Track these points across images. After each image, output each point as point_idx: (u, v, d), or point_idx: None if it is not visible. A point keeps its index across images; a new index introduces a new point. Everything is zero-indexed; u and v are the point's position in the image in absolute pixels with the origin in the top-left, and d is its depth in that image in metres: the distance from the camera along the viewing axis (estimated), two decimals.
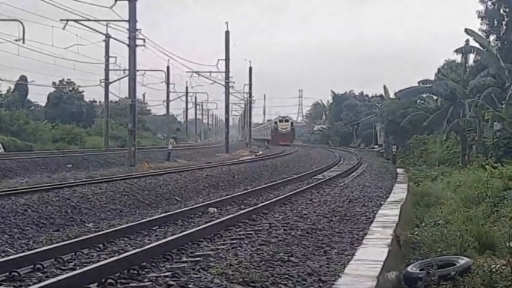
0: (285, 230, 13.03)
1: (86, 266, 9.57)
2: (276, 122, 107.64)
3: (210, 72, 65.45)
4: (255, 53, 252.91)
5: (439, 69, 62.02)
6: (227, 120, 68.32)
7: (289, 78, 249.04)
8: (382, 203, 17.15)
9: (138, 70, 42.86)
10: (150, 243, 11.70)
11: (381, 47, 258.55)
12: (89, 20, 38.13)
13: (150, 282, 8.57)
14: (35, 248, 11.70)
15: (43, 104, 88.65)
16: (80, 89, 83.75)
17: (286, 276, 8.58)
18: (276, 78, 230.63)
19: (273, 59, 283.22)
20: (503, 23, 46.08)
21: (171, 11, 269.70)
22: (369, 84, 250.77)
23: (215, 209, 17.59)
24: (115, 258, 9.95)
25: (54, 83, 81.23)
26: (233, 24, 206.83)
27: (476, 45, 45.73)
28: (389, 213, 13.91)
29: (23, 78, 75.62)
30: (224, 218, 14.79)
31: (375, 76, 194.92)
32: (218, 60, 62.97)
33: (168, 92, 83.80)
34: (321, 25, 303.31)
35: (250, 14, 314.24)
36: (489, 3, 46.39)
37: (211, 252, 10.73)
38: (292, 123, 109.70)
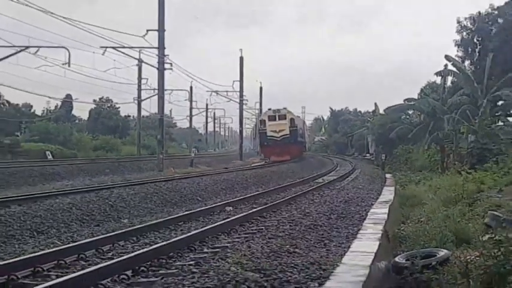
0: (290, 225, 13.00)
1: (122, 256, 9.60)
2: (263, 121, 53.30)
3: (227, 91, 65.77)
4: (264, 71, 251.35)
5: (421, 89, 61.92)
6: (241, 132, 68.46)
7: (294, 95, 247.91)
8: (373, 203, 17.03)
9: (165, 90, 43.03)
10: (176, 237, 11.73)
11: (375, 66, 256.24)
12: (124, 47, 38.34)
13: (177, 270, 8.59)
14: (79, 240, 11.76)
15: (85, 118, 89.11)
16: (117, 106, 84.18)
17: (292, 265, 8.54)
18: (284, 95, 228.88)
19: (280, 77, 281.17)
20: (477, 50, 46.37)
21: (193, 37, 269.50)
22: (364, 100, 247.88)
23: (231, 208, 17.58)
24: (146, 249, 9.97)
25: (94, 100, 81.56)
26: (245, 47, 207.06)
27: (454, 69, 45.84)
28: (379, 212, 13.82)
29: (69, 96, 75.93)
30: (239, 215, 14.75)
31: (369, 92, 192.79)
32: (233, 81, 63.12)
33: (191, 108, 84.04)
34: (322, 45, 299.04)
35: (260, 38, 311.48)
36: (464, 33, 46.60)
37: (228, 245, 10.74)
38: (292, 119, 52.62)
